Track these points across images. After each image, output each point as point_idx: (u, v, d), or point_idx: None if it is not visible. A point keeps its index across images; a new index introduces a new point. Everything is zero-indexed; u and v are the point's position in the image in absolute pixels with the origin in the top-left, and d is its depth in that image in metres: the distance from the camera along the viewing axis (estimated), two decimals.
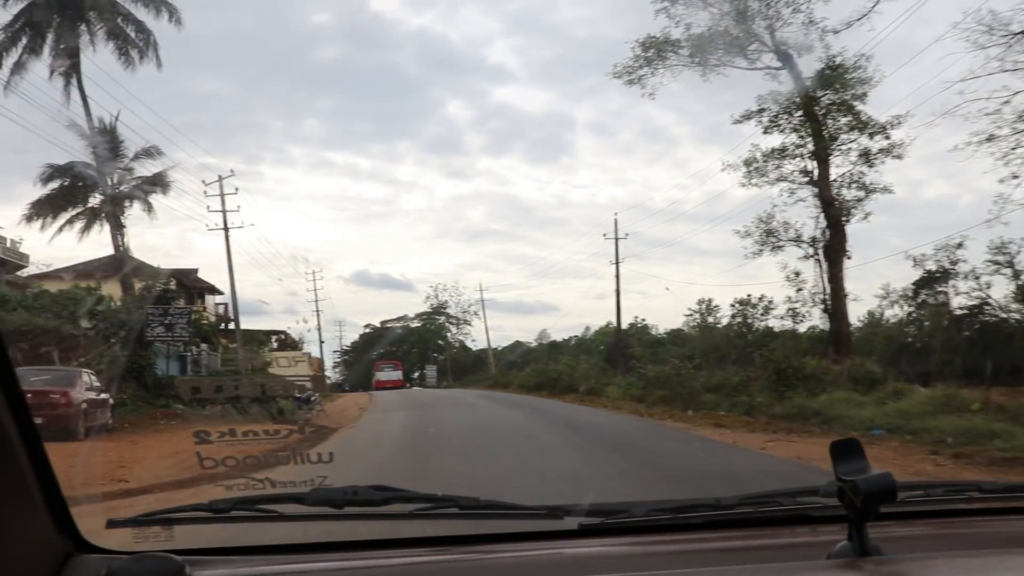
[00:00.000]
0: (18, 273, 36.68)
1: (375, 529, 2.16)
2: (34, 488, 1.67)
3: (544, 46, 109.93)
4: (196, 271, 67.95)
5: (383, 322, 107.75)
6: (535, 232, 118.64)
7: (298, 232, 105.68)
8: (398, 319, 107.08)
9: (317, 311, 61.08)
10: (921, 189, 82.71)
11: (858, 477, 1.66)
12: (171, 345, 24.56)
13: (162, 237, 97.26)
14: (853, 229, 25.48)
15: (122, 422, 20.63)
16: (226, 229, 33.48)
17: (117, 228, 44.74)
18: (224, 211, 33.49)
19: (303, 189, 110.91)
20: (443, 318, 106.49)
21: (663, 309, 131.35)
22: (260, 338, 50.63)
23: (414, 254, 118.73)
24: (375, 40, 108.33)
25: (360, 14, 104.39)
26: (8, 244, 35.85)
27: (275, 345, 58.23)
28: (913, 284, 31.48)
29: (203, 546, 2.03)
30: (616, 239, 40.83)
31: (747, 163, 26.59)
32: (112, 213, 44.08)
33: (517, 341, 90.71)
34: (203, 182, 34.20)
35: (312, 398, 31.96)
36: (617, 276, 40.60)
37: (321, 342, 61.89)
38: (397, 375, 68.02)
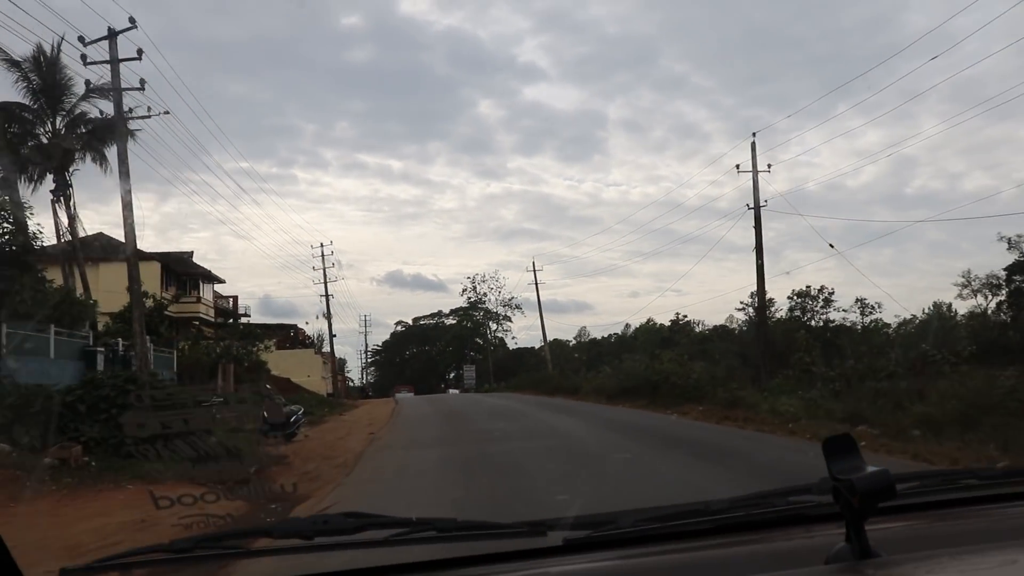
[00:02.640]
0: None
1: (348, 559, 1.96)
2: None
3: (575, 44, 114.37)
4: (191, 254, 56.85)
5: (416, 319, 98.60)
6: (568, 231, 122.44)
7: (331, 234, 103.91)
8: (432, 316, 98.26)
9: (327, 295, 49.28)
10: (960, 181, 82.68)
11: (854, 476, 1.55)
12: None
13: (198, 241, 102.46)
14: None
15: None
16: (123, 119, 21.17)
17: (60, 191, 33.88)
18: (118, 90, 20.89)
19: (336, 191, 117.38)
20: (481, 314, 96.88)
21: (698, 307, 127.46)
22: (255, 333, 38.96)
23: (447, 254, 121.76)
24: (405, 41, 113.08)
25: (390, 16, 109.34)
26: None
27: (273, 343, 46.68)
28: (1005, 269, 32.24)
29: None
30: (756, 198, 28.20)
31: None
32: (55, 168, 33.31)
33: (555, 339, 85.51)
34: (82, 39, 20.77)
35: (294, 417, 20.13)
36: (759, 231, 27.82)
37: (332, 335, 50.06)
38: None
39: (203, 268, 54.71)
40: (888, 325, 70.52)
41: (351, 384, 79.87)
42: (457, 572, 1.96)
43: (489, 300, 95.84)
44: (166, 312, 49.22)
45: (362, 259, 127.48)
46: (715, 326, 68.67)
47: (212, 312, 55.54)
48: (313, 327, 63.57)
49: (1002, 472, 2.34)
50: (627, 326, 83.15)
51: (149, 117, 22.04)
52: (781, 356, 33.93)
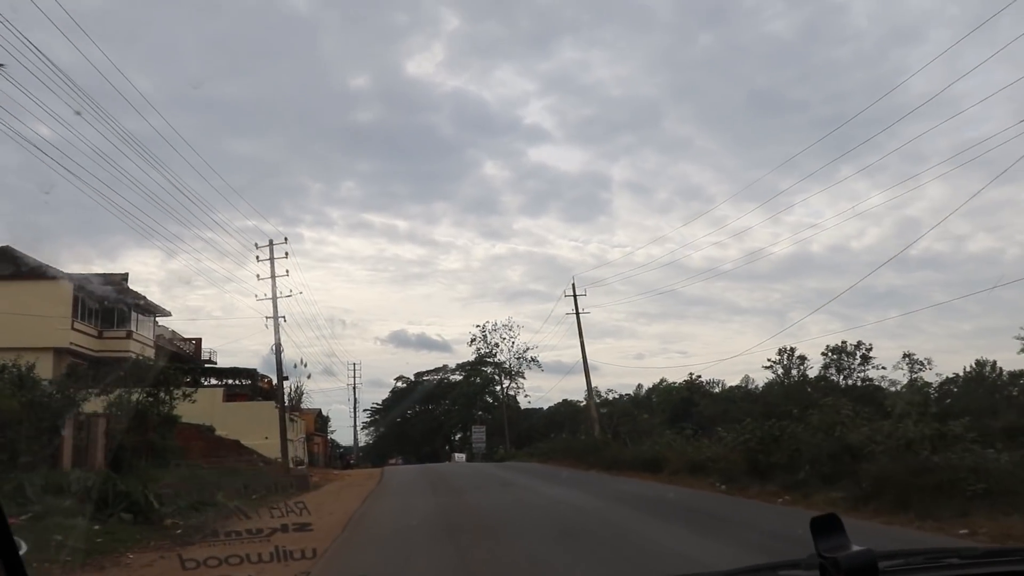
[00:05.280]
0: None
1: None
2: None
3: (579, 106, 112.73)
4: (124, 277, 44.04)
5: (418, 375, 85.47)
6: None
7: (336, 293, 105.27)
8: (436, 371, 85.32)
9: (276, 316, 35.95)
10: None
11: (840, 554, 1.64)
12: None
13: (204, 298, 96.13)
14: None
15: None
16: None
17: None
18: None
19: (342, 250, 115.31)
20: (491, 368, 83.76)
21: (704, 369, 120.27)
22: (169, 375, 25.78)
23: (452, 315, 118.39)
24: (412, 103, 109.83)
25: (397, 77, 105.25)
26: None
27: (195, 393, 33.23)
28: None
29: None
30: None
31: None
32: None
33: (565, 400, 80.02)
34: None
35: None
36: None
37: (282, 378, 36.33)
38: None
39: (137, 296, 42.01)
40: (929, 384, 61.27)
41: (335, 448, 66.20)
42: None
43: (501, 351, 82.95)
44: (79, 347, 37.06)
45: (366, 318, 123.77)
46: (732, 386, 66.38)
47: (152, 353, 42.74)
48: (301, 379, 50.07)
49: (983, 552, 2.36)
50: (639, 386, 78.58)
51: None
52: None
